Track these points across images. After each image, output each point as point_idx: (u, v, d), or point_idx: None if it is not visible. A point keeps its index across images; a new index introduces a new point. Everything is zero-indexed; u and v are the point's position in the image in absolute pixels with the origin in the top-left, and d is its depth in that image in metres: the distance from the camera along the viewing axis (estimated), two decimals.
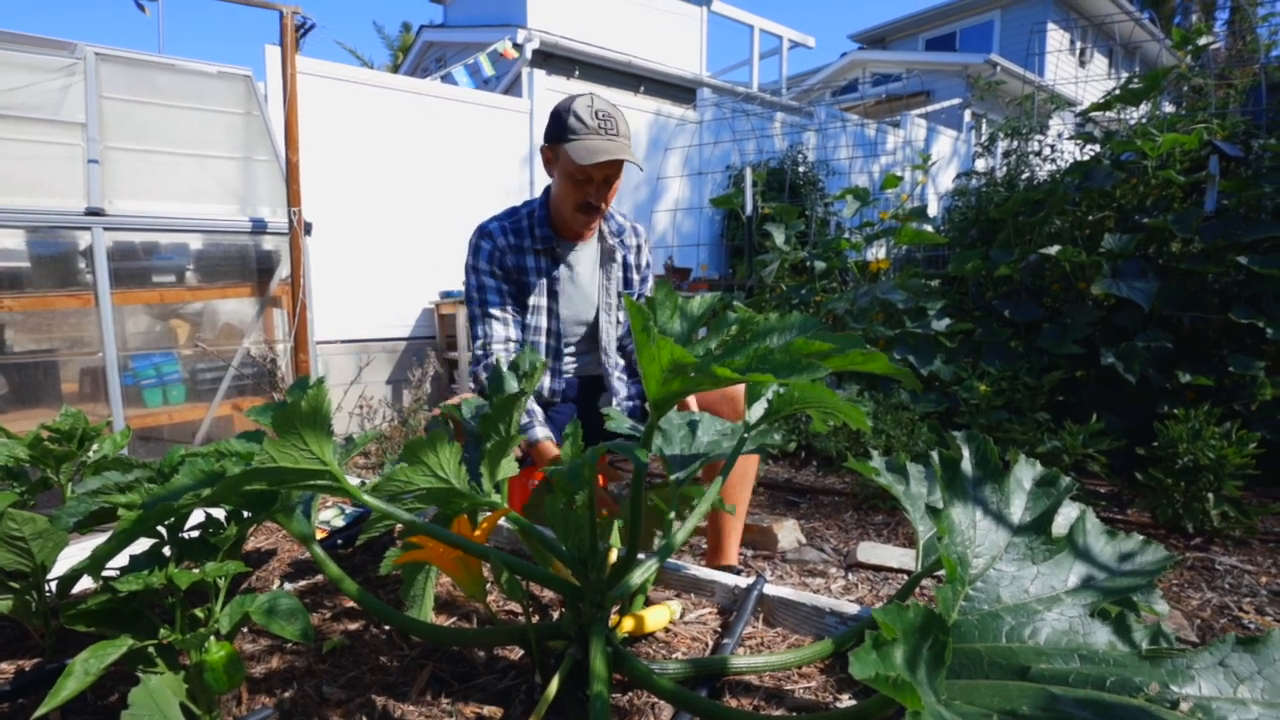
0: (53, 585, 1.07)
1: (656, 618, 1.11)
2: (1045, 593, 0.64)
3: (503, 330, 1.73)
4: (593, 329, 1.85)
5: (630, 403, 1.86)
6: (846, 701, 0.91)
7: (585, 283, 1.83)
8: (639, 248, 1.93)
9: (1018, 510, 0.72)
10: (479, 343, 1.73)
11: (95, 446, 1.25)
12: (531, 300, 1.77)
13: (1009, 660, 0.58)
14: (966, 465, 0.75)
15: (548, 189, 1.79)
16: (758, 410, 1.11)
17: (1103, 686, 0.52)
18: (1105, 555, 0.67)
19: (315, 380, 0.94)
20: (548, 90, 5.41)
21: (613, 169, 1.63)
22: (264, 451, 0.80)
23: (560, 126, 1.61)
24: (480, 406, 1.19)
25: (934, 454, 0.76)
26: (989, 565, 0.67)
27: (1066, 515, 0.70)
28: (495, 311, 1.73)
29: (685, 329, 0.81)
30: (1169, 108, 4.63)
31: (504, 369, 1.12)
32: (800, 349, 0.64)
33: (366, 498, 0.90)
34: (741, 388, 1.56)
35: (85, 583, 1.29)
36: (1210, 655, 0.53)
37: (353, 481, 1.46)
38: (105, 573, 0.89)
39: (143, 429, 2.90)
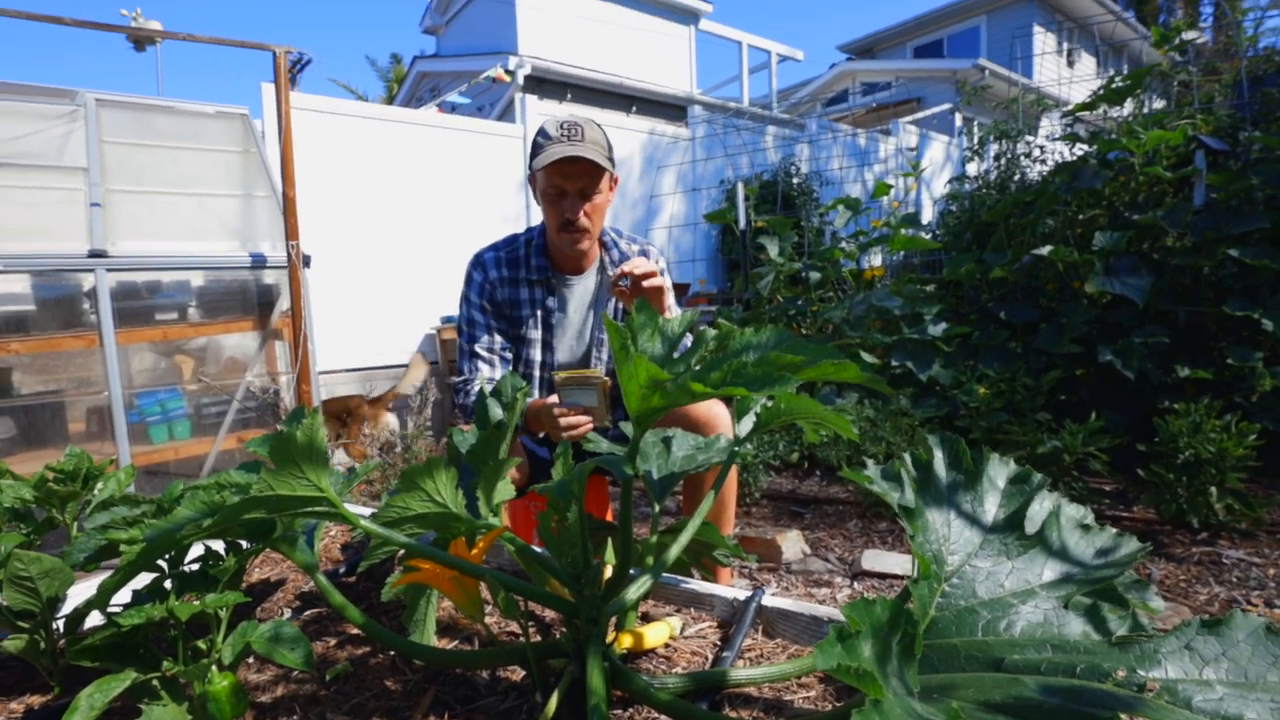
0: (60, 623, 1.09)
1: (656, 634, 1.12)
2: (1020, 587, 0.66)
3: (488, 370, 1.72)
4: (584, 366, 1.80)
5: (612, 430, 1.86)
6: None
7: (578, 318, 1.78)
8: None
9: (991, 507, 0.74)
10: (461, 379, 1.74)
11: (100, 485, 1.27)
12: (525, 333, 1.74)
13: (984, 653, 0.59)
14: (939, 465, 0.76)
15: None
16: (747, 424, 1.12)
17: (1073, 673, 0.54)
18: (1078, 548, 0.69)
19: (311, 410, 0.96)
20: (540, 115, 5.49)
21: (585, 179, 1.56)
22: (262, 480, 0.82)
23: (534, 149, 1.59)
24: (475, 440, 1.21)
25: (906, 456, 0.78)
26: (964, 562, 0.69)
27: (1041, 510, 0.72)
28: (481, 350, 1.72)
29: (665, 348, 0.83)
30: (1160, 103, 4.66)
31: (487, 398, 1.13)
32: (774, 362, 0.66)
33: (363, 523, 0.92)
34: (711, 413, 1.57)
35: (94, 619, 1.31)
36: (1176, 639, 0.55)
37: (357, 510, 1.48)
38: (109, 609, 0.91)
39: (149, 465, 2.93)
